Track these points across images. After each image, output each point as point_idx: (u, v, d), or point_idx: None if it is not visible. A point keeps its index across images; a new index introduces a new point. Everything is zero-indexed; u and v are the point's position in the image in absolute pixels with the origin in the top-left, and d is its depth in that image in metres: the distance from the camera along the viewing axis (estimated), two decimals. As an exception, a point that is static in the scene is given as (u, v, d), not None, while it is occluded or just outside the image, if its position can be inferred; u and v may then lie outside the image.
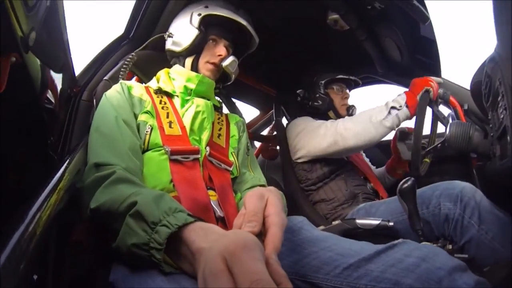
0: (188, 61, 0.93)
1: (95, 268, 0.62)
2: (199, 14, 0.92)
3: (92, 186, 0.58)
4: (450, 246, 0.86)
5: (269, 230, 0.44)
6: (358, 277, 0.52)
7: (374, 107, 1.19)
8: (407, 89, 1.18)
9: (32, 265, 0.41)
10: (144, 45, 1.00)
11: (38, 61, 0.56)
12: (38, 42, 0.50)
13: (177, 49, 0.93)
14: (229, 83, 1.02)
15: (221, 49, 0.92)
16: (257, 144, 2.10)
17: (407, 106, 1.13)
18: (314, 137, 1.28)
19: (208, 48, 0.93)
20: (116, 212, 0.52)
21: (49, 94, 0.74)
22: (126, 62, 0.97)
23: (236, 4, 0.99)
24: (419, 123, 1.06)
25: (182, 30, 0.93)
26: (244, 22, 0.93)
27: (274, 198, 0.49)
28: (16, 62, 0.47)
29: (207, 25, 0.94)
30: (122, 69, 0.97)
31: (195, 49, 0.92)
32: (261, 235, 0.44)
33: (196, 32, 0.91)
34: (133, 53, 0.99)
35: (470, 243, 0.87)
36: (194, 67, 0.92)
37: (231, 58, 0.91)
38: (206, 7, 0.94)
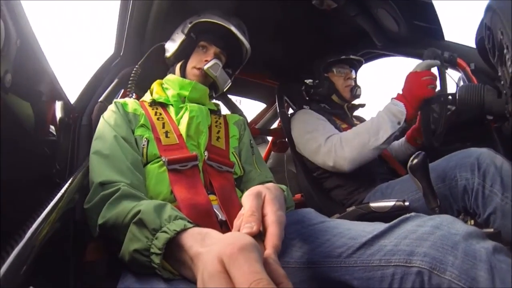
0: (177, 67, 0.96)
1: (105, 283, 0.65)
2: (191, 22, 0.96)
3: (98, 205, 0.60)
4: (472, 222, 0.81)
5: (268, 229, 0.43)
6: (371, 254, 0.51)
7: (372, 123, 1.09)
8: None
9: (30, 276, 0.43)
10: (145, 55, 1.03)
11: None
12: (16, 82, 0.51)
13: (167, 54, 0.99)
14: (220, 92, 1.02)
15: (208, 56, 0.94)
16: (269, 138, 2.08)
17: (405, 121, 1.04)
18: (311, 152, 1.25)
19: (197, 54, 0.95)
20: (121, 225, 0.54)
21: (51, 128, 0.77)
22: (132, 75, 1.01)
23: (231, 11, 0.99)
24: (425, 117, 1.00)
25: (174, 37, 0.98)
26: (232, 28, 0.93)
27: (271, 196, 0.48)
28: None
29: (198, 33, 0.96)
30: (129, 82, 1.01)
31: (182, 55, 0.96)
32: (261, 234, 0.44)
33: (183, 37, 0.95)
34: (137, 66, 1.02)
35: (495, 214, 0.80)
36: (182, 73, 0.95)
37: (213, 61, 0.91)
38: (199, 15, 0.97)
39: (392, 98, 1.09)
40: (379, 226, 0.54)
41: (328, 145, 1.16)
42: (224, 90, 1.02)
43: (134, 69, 1.01)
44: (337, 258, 0.54)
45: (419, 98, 1.01)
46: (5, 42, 0.47)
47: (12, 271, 0.37)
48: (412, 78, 1.04)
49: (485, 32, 0.74)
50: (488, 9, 0.69)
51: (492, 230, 0.76)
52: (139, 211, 0.52)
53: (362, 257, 0.52)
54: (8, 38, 0.48)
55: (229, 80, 1.01)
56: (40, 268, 0.48)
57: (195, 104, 0.87)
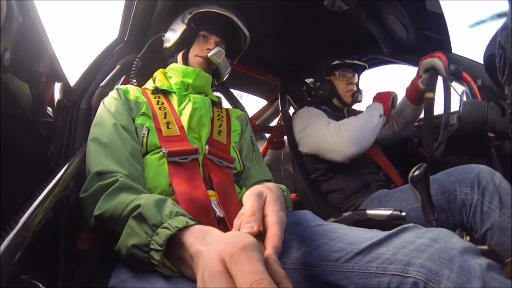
0: (179, 56, 0.95)
1: (100, 274, 0.63)
2: (190, 13, 0.95)
3: (95, 195, 0.59)
4: (467, 238, 0.81)
5: (268, 230, 0.43)
6: (369, 261, 0.51)
7: (361, 115, 1.24)
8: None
9: (23, 264, 0.42)
10: (144, 49, 1.01)
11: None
12: (15, 61, 0.49)
13: (168, 44, 0.97)
14: (221, 81, 1.01)
15: (209, 45, 0.93)
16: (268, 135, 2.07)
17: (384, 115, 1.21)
18: (315, 141, 1.27)
19: (198, 44, 0.95)
20: (119, 218, 0.53)
21: (48, 109, 0.75)
22: (133, 69, 1.00)
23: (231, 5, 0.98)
24: (429, 112, 0.99)
25: (174, 28, 0.97)
26: (232, 16, 0.93)
27: (272, 196, 0.48)
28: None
29: (199, 23, 0.95)
30: (131, 75, 1.00)
31: (184, 44, 0.95)
32: (261, 234, 0.43)
33: (184, 27, 0.94)
34: (137, 59, 1.00)
35: (493, 230, 0.81)
36: (185, 61, 0.94)
37: (216, 49, 0.91)
38: (198, 6, 0.96)
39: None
40: (377, 234, 0.54)
41: (330, 129, 1.21)
42: (225, 79, 1.02)
43: (135, 62, 1.00)
44: (334, 262, 0.54)
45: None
46: (7, 18, 0.45)
47: (4, 260, 0.35)
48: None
49: (498, 50, 0.74)
50: (504, 28, 0.69)
51: (486, 247, 0.76)
52: (138, 205, 0.50)
53: (360, 263, 0.52)
54: (10, 14, 0.45)
55: (229, 68, 1.01)
56: (32, 257, 0.46)
57: (199, 96, 0.85)
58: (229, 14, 0.93)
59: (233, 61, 1.05)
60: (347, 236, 0.56)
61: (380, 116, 1.19)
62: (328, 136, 1.20)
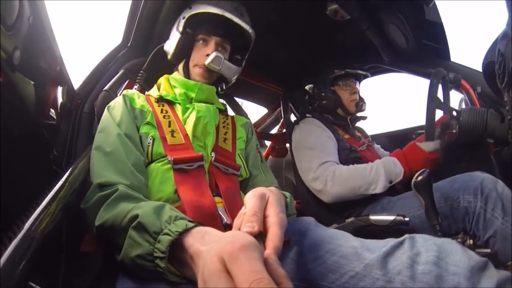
0: (180, 67, 0.91)
1: (103, 278, 0.62)
2: (184, 17, 0.89)
3: (95, 205, 0.59)
4: (471, 241, 0.81)
5: (269, 230, 0.43)
6: (363, 286, 0.49)
7: (370, 172, 1.13)
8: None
9: (29, 270, 0.41)
10: (147, 61, 1.01)
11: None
12: (24, 60, 0.49)
13: (168, 56, 0.93)
14: (230, 84, 0.98)
15: (209, 48, 0.87)
16: (268, 143, 2.08)
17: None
18: (301, 168, 1.29)
19: (197, 50, 0.89)
20: (119, 227, 0.53)
21: (52, 112, 0.74)
22: (137, 80, 0.99)
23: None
24: (431, 116, 1.00)
25: (171, 37, 0.93)
26: (226, 14, 0.85)
27: (274, 198, 0.48)
28: (3, 82, 0.46)
29: (195, 26, 0.90)
30: (136, 83, 0.99)
31: (182, 54, 0.90)
32: (262, 235, 0.43)
33: (178, 36, 0.88)
34: (141, 72, 1.00)
35: (495, 237, 0.82)
36: (186, 73, 0.89)
37: (213, 55, 0.84)
38: (190, 8, 0.90)
39: (395, 158, 1.13)
40: (372, 246, 0.52)
41: (320, 172, 1.18)
42: (233, 80, 0.96)
43: (139, 74, 0.99)
44: (330, 284, 0.52)
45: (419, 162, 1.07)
46: (18, 17, 0.45)
47: (10, 266, 0.34)
48: (422, 159, 1.08)
49: (497, 57, 0.75)
50: (504, 36, 0.70)
51: (489, 250, 0.76)
52: (137, 215, 0.50)
53: None
54: (21, 13, 0.46)
55: (240, 68, 0.95)
56: (40, 263, 0.45)
57: (203, 104, 0.84)
58: (223, 13, 0.85)
59: (244, 56, 0.98)
60: (341, 248, 0.55)
61: (391, 182, 1.11)
62: (313, 179, 1.20)
